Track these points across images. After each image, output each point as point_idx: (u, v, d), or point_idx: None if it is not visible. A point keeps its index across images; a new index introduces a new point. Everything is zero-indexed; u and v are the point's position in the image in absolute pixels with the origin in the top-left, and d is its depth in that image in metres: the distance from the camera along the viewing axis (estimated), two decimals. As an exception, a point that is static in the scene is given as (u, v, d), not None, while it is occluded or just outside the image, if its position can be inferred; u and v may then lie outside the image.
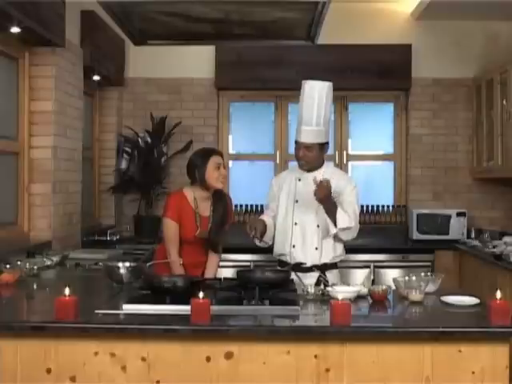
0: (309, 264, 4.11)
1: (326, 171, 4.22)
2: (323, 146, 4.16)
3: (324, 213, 4.05)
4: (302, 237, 4.15)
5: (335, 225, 3.99)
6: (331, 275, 4.13)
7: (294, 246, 4.15)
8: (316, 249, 4.11)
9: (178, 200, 4.25)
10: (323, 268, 4.11)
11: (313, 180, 3.89)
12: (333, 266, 4.21)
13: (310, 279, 3.95)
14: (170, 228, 4.24)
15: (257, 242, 4.07)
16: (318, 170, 4.19)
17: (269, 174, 7.26)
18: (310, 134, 4.07)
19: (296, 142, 4.18)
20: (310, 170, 4.20)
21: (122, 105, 7.21)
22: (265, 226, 4.11)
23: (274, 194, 4.32)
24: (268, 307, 3.15)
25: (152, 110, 7.13)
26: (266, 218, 4.26)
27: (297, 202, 4.20)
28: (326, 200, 3.93)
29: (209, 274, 4.35)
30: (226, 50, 7.02)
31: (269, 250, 4.31)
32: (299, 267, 4.08)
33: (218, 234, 4.33)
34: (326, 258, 4.13)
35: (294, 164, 4.41)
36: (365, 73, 7.04)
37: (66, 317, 2.81)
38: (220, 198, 4.35)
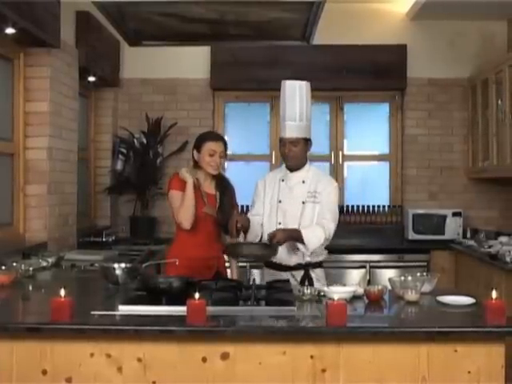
0: (293, 263, 4.13)
1: (309, 170, 4.27)
2: (307, 143, 4.22)
3: (305, 213, 4.14)
4: None
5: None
6: (315, 274, 4.14)
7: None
8: (297, 249, 4.11)
9: (181, 178, 4.27)
10: (307, 267, 4.12)
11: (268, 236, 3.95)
12: (316, 265, 4.21)
13: (296, 276, 3.99)
14: (177, 197, 4.23)
15: (240, 239, 4.04)
16: (301, 170, 4.24)
17: (264, 175, 7.24)
18: (294, 129, 4.14)
19: (280, 140, 4.23)
20: (294, 169, 4.23)
21: (117, 105, 7.21)
22: (248, 221, 4.10)
23: (260, 194, 4.35)
24: (264, 308, 3.15)
25: (147, 110, 7.12)
26: (250, 217, 4.24)
27: (280, 202, 4.23)
28: (286, 236, 3.96)
29: (233, 263, 4.50)
30: (221, 50, 7.02)
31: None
32: (280, 266, 4.14)
33: (227, 214, 4.31)
34: (308, 257, 4.13)
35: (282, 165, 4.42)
36: (360, 73, 7.05)
37: (62, 318, 2.80)
38: (225, 182, 4.45)
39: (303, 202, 4.18)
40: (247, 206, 6.98)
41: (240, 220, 3.97)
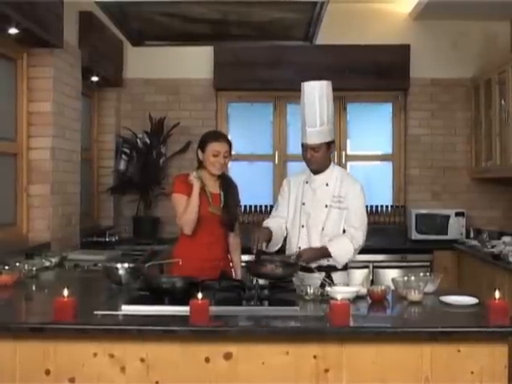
0: (314, 265, 4.10)
1: (333, 171, 4.22)
2: (330, 145, 4.16)
3: (330, 217, 4.11)
4: (307, 239, 4.13)
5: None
6: (337, 276, 4.09)
7: (299, 248, 4.14)
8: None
9: (185, 179, 4.26)
10: (329, 269, 4.09)
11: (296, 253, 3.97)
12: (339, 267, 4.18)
13: (314, 280, 3.95)
14: (180, 201, 4.24)
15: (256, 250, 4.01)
16: (325, 172, 4.19)
17: (268, 175, 7.28)
18: (315, 135, 4.06)
19: (302, 145, 4.16)
20: (318, 172, 4.20)
21: (120, 106, 7.21)
22: (270, 234, 4.06)
23: (285, 195, 4.32)
24: (267, 308, 3.15)
25: (150, 110, 7.12)
26: (271, 223, 4.20)
27: (303, 204, 4.20)
28: (314, 256, 3.99)
29: (236, 258, 4.50)
30: (224, 50, 7.02)
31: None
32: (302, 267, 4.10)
33: (232, 213, 4.35)
34: (332, 260, 4.11)
35: (303, 165, 4.38)
36: (363, 73, 7.04)
37: (65, 318, 2.80)
38: (228, 181, 4.45)
39: (326, 206, 4.13)
40: (250, 206, 7.04)
41: (261, 237, 3.90)
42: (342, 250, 4.03)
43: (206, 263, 4.17)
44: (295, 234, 4.20)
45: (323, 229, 4.12)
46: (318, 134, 4.07)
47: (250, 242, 3.88)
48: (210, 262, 4.21)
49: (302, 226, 4.18)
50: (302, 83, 4.14)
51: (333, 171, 4.23)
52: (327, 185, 4.17)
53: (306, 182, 4.24)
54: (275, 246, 4.17)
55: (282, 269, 3.54)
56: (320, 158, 4.13)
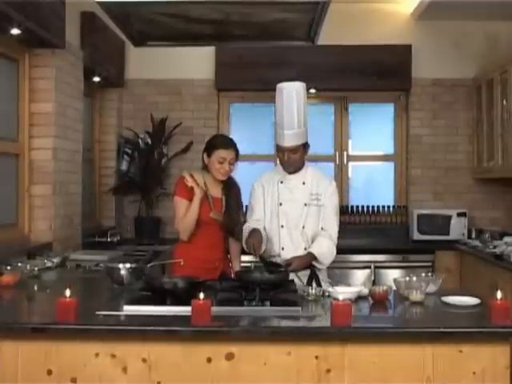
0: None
1: (307, 170, 4.23)
2: (305, 146, 4.16)
3: (309, 214, 4.13)
4: (289, 239, 4.14)
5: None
6: (321, 274, 4.13)
7: (283, 249, 4.14)
8: (305, 249, 4.11)
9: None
10: (313, 267, 4.10)
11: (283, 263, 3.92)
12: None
13: (302, 278, 3.98)
14: (181, 206, 4.25)
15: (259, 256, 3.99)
16: (299, 172, 4.20)
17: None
18: (293, 137, 4.04)
19: (278, 147, 4.14)
20: (292, 172, 4.20)
21: (122, 106, 7.21)
22: (262, 236, 4.02)
23: (259, 198, 4.26)
24: (269, 308, 3.15)
25: (152, 111, 7.13)
26: (255, 225, 4.15)
27: (281, 204, 4.19)
28: (303, 264, 3.99)
29: (235, 264, 4.48)
30: (226, 50, 7.02)
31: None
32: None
33: (234, 219, 4.33)
34: (319, 264, 4.12)
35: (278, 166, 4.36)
36: (365, 73, 7.04)
37: (67, 318, 2.80)
38: (231, 184, 4.41)
39: (306, 204, 4.16)
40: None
41: (256, 243, 3.88)
42: (327, 252, 4.07)
43: (206, 264, 4.18)
44: (275, 234, 4.18)
45: (304, 227, 4.13)
46: (296, 136, 4.05)
47: (249, 249, 3.89)
48: (209, 263, 4.22)
49: (282, 226, 4.17)
50: (278, 85, 4.09)
51: (307, 170, 4.23)
52: (304, 183, 4.18)
53: (281, 182, 4.22)
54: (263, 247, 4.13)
55: (272, 277, 3.51)
56: (297, 159, 4.14)
